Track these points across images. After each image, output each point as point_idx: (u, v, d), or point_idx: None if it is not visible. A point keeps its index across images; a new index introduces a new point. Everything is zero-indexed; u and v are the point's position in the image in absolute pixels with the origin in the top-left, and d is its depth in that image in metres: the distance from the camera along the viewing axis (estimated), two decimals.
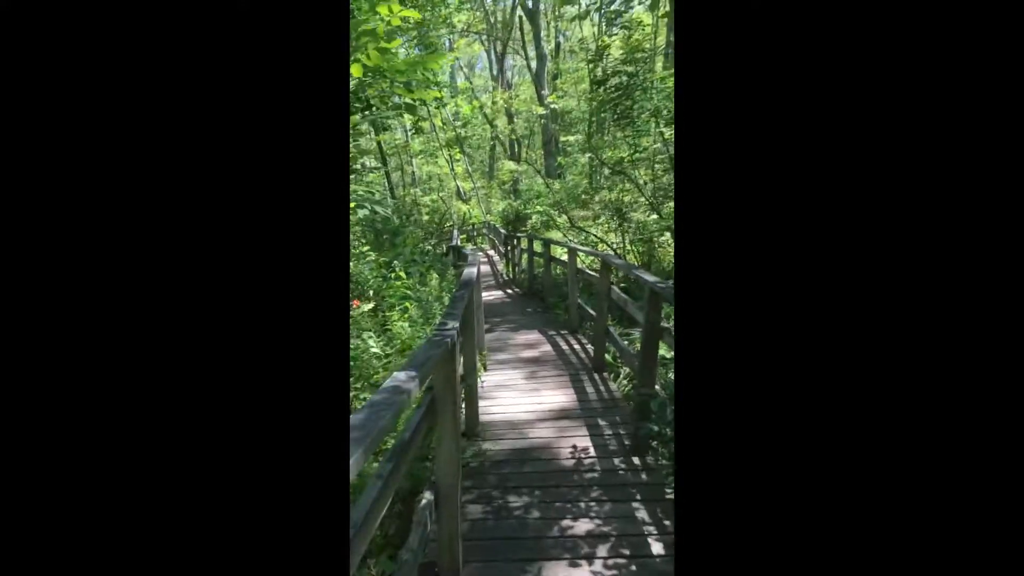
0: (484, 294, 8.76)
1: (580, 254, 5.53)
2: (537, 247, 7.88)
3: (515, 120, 18.64)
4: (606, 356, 4.29)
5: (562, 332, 5.45)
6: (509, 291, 8.78)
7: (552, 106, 12.39)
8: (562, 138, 18.53)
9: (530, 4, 15.83)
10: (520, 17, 18.01)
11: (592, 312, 4.86)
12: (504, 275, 10.67)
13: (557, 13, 20.81)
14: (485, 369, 4.38)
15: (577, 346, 4.91)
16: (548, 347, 4.96)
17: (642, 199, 8.24)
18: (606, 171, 9.62)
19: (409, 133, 21.54)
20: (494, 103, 17.57)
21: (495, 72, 22.45)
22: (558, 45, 22.14)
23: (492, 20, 18.35)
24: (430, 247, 9.96)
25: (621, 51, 5.90)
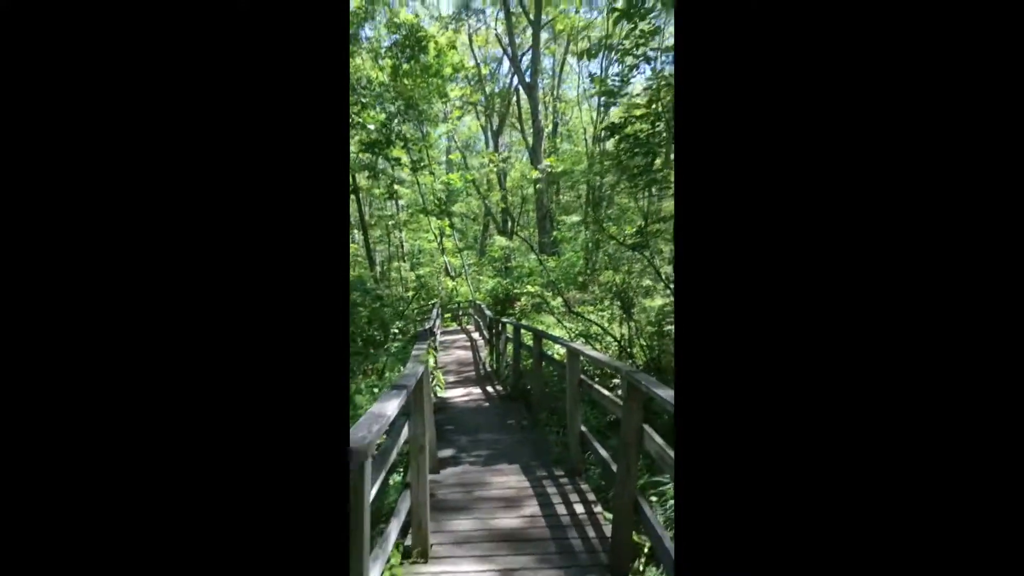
0: (458, 391, 7.01)
1: (583, 356, 3.85)
2: (526, 338, 6.24)
3: (507, 191, 17.58)
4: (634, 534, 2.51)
5: (557, 474, 3.66)
6: (490, 389, 7.01)
7: (547, 168, 11.16)
8: (559, 218, 17.53)
9: (528, 79, 15.32)
10: (517, 90, 17.58)
11: (603, 453, 3.12)
12: (486, 365, 8.93)
13: (555, 94, 20.66)
14: (426, 559, 2.56)
15: (581, 508, 3.11)
16: (535, 507, 3.16)
17: (650, 280, 6.77)
18: (609, 248, 8.23)
19: (400, 205, 20.68)
20: (489, 165, 16.43)
21: (490, 148, 21.99)
22: (555, 126, 21.90)
23: (488, 92, 17.89)
24: (397, 329, 8.29)
25: (642, 97, 4.61)
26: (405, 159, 7.88)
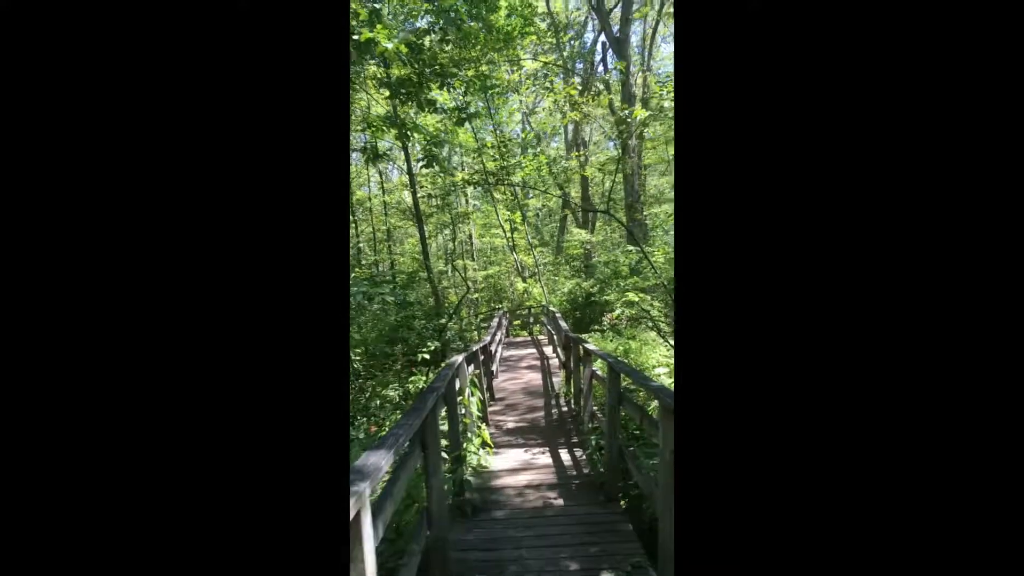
0: (512, 458, 4.05)
1: None
2: (628, 387, 3.46)
3: (586, 174, 14.58)
4: None
5: None
6: (564, 456, 4.31)
7: (662, 105, 7.97)
8: (649, 209, 14.48)
9: (616, 32, 12.41)
10: (605, 53, 14.61)
11: None
12: (560, 401, 6.26)
13: (646, 64, 17.44)
14: None
15: None
16: None
17: None
18: None
19: (467, 199, 18.53)
20: (571, 158, 13.55)
21: (568, 138, 19.26)
22: (645, 102, 18.71)
23: (567, 54, 15.08)
24: (426, 354, 5.84)
25: None
26: (445, 98, 5.43)
